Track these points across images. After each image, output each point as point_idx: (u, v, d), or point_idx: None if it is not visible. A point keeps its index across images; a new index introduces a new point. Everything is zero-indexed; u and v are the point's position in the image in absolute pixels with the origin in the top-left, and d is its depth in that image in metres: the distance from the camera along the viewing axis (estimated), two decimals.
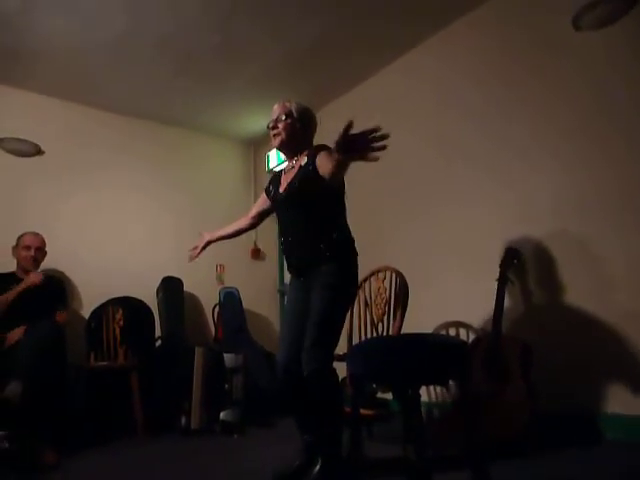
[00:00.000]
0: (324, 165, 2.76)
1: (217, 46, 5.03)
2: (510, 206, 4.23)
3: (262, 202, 3.40)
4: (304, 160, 3.00)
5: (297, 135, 3.08)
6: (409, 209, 5.04)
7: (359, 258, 3.05)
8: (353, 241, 3.03)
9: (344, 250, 2.96)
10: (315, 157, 2.92)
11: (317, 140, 3.20)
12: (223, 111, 6.32)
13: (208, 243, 3.49)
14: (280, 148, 3.12)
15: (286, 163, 3.20)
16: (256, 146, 7.28)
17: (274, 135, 3.08)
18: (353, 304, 3.69)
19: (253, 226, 3.46)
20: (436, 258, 4.74)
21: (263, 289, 6.95)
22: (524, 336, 3.81)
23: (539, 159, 4.07)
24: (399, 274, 3.69)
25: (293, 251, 3.03)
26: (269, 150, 6.89)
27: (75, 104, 5.99)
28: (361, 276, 3.23)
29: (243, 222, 3.47)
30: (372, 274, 3.92)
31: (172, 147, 6.67)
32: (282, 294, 6.94)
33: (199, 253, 3.50)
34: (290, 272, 3.12)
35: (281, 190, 3.09)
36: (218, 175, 7.03)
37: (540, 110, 4.09)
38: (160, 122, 6.55)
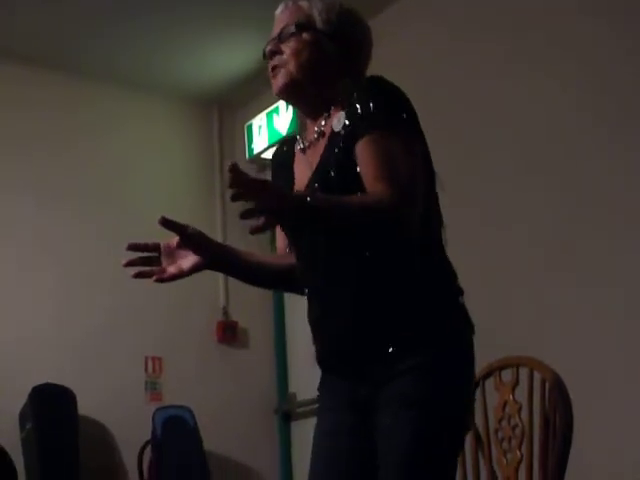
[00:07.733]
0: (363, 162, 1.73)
1: None
2: None
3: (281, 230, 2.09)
4: (339, 119, 1.84)
5: (326, 68, 1.91)
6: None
7: None
8: (460, 292, 1.84)
9: (445, 320, 1.83)
10: (361, 108, 1.77)
11: None
12: (156, 42, 4.41)
13: (199, 246, 1.76)
14: (287, 95, 1.95)
15: (306, 128, 1.98)
16: (225, 108, 5.06)
17: (273, 69, 1.93)
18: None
19: (292, 271, 1.98)
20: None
21: (246, 408, 4.67)
22: None
23: None
24: (552, 375, 2.41)
25: (327, 326, 1.89)
26: (252, 115, 4.76)
27: None
28: None
29: (280, 259, 2.02)
30: (488, 374, 2.60)
31: (49, 118, 4.56)
32: (284, 418, 4.74)
33: (172, 275, 1.77)
34: (323, 368, 1.94)
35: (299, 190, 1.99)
36: (146, 169, 4.76)
37: None
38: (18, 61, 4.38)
